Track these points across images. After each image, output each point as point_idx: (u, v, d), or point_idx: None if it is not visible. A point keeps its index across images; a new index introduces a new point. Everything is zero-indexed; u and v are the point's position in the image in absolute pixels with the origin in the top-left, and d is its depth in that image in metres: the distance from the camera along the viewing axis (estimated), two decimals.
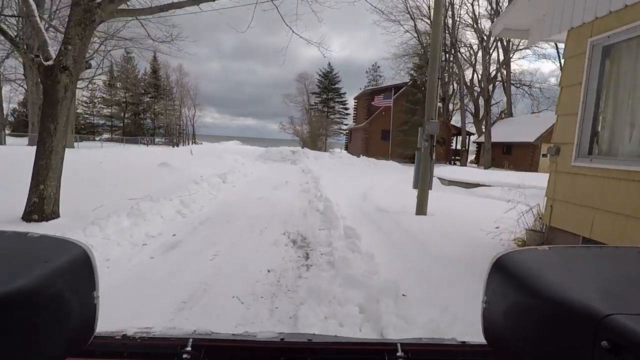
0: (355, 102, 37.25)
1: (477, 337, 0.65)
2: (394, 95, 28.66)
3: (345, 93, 44.43)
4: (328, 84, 42.80)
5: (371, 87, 31.37)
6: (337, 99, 43.16)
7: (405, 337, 1.02)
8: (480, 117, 32.68)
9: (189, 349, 0.79)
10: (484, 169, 26.45)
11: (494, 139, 30.80)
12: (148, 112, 47.61)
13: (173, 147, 42.41)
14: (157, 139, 47.50)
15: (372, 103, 28.52)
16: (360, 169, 19.76)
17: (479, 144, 32.71)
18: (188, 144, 49.54)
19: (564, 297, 0.45)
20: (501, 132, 29.41)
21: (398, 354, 0.81)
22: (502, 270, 0.55)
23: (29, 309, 0.43)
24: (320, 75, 43.54)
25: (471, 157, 34.54)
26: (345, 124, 40.25)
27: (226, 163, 16.30)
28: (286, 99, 38.24)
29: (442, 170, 16.13)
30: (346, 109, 43.96)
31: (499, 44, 28.63)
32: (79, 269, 0.52)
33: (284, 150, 21.42)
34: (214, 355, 0.83)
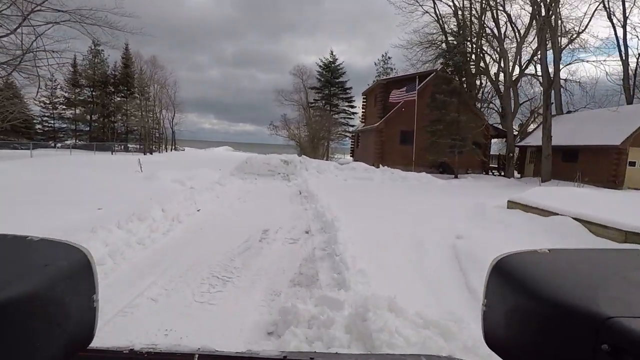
0: (364, 99, 30.88)
1: None
2: (419, 85, 22.28)
3: (351, 88, 37.91)
4: (330, 77, 35.70)
5: (387, 78, 25.01)
6: (341, 95, 36.21)
7: (404, 354, 1.00)
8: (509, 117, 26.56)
9: None
10: (542, 182, 19.95)
11: (540, 142, 24.41)
12: (119, 114, 41.04)
13: (145, 154, 35.89)
14: (130, 145, 40.95)
15: (391, 99, 22.06)
16: (395, 191, 13.20)
17: (520, 149, 26.27)
18: (167, 150, 42.97)
19: (565, 300, 0.45)
20: (559, 133, 23.07)
21: None
22: (502, 273, 0.55)
23: (29, 313, 0.44)
24: (321, 66, 37.10)
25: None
26: (352, 125, 33.80)
27: (175, 185, 9.77)
28: (280, 96, 31.89)
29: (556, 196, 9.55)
30: (352, 106, 37.57)
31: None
32: (79, 273, 0.52)
33: (273, 159, 14.92)
34: None
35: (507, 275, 0.54)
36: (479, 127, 21.25)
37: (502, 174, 26.05)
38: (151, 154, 37.11)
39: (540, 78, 23.51)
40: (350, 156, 35.45)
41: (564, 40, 22.70)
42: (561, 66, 22.74)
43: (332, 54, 35.71)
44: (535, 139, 24.84)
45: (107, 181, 9.88)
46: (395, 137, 24.49)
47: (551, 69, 21.22)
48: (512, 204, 8.75)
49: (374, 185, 14.67)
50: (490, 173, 26.10)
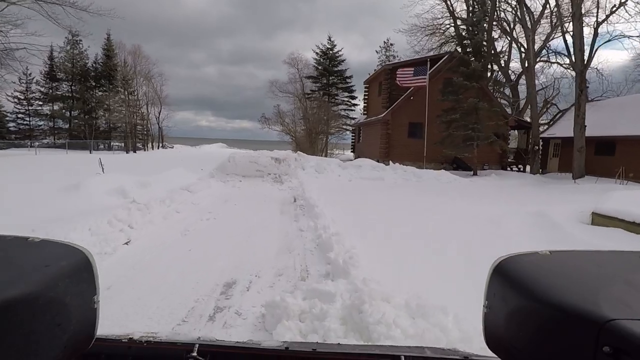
0: (365, 89, 28.07)
1: None
2: (431, 69, 19.51)
3: (351, 77, 34.20)
4: (328, 64, 32.37)
5: (394, 62, 22.21)
6: (340, 85, 32.79)
7: (409, 347, 1.02)
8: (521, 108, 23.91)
9: (194, 354, 0.80)
10: (574, 178, 17.34)
11: (566, 133, 21.78)
12: (101, 110, 38.07)
13: (127, 152, 33.05)
14: (115, 144, 38.07)
15: (398, 80, 19.23)
16: (414, 195, 10.50)
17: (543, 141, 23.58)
18: (154, 148, 40.09)
19: (566, 302, 0.45)
20: (588, 123, 20.41)
21: None
22: (503, 275, 0.55)
23: (29, 313, 0.44)
24: (318, 53, 33.42)
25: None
26: (352, 118, 30.88)
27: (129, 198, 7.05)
28: (274, 87, 28.86)
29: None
30: (353, 97, 34.32)
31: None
32: (79, 273, 0.52)
33: (262, 157, 12.15)
34: None
35: (508, 277, 0.54)
36: (501, 116, 18.53)
37: (522, 169, 23.40)
38: (134, 152, 34.25)
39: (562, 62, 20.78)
40: (352, 152, 32.67)
41: (600, 15, 19.89)
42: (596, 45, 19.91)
43: (330, 40, 32.33)
44: (560, 130, 22.15)
45: (14, 192, 7.15)
46: (402, 129, 21.76)
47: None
48: (601, 219, 6.05)
49: (386, 188, 11.96)
50: (508, 168, 23.42)
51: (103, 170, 13.28)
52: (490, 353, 0.57)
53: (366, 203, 9.03)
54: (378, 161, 23.80)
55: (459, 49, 20.12)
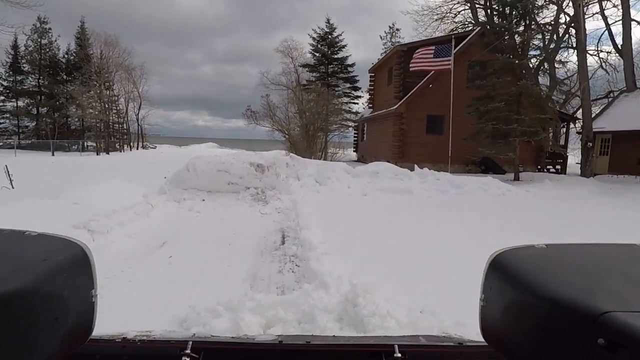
0: (371, 78, 24.17)
1: None
2: (456, 49, 15.64)
3: (354, 64, 29.33)
4: (327, 51, 27.87)
5: (409, 43, 18.24)
6: (341, 74, 28.39)
7: (403, 336, 1.02)
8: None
9: (188, 351, 0.79)
10: None
11: (618, 126, 18.09)
12: (73, 106, 33.98)
13: (98, 154, 29.08)
14: (90, 144, 34.04)
15: (414, 65, 15.30)
16: (465, 222, 6.70)
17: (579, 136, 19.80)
18: (132, 149, 36.07)
19: (561, 294, 0.45)
20: (636, 113, 16.77)
21: (396, 355, 0.81)
22: (499, 268, 0.55)
23: (26, 308, 0.44)
24: (315, 38, 28.53)
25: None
26: (355, 113, 26.79)
27: None
28: (265, 78, 24.68)
29: None
30: (356, 88, 29.29)
31: None
32: (77, 268, 0.53)
33: (237, 164, 8.14)
34: (214, 358, 0.83)
35: (504, 271, 0.54)
36: (549, 105, 14.68)
37: (559, 170, 19.64)
38: (107, 153, 30.25)
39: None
40: (354, 151, 28.83)
41: None
42: None
43: (328, 22, 28.11)
44: (611, 122, 18.40)
45: None
46: (419, 124, 17.93)
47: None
48: None
49: (420, 206, 8.17)
50: (545, 170, 19.65)
51: (12, 183, 9.40)
52: (481, 340, 0.58)
53: (398, 240, 5.21)
54: (388, 162, 20.05)
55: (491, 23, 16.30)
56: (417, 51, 16.17)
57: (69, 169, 15.17)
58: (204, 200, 7.80)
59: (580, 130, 19.32)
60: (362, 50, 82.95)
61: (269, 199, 7.92)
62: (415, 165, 11.43)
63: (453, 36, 15.90)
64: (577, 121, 20.16)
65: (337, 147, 19.56)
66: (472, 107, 14.61)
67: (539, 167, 19.31)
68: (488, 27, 15.85)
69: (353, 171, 10.43)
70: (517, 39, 14.03)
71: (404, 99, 17.65)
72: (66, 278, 0.50)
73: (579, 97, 20.30)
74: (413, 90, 17.52)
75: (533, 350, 0.48)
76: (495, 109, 13.15)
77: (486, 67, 15.20)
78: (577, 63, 16.03)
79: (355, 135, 28.23)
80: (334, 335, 1.20)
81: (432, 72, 16.18)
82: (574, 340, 0.42)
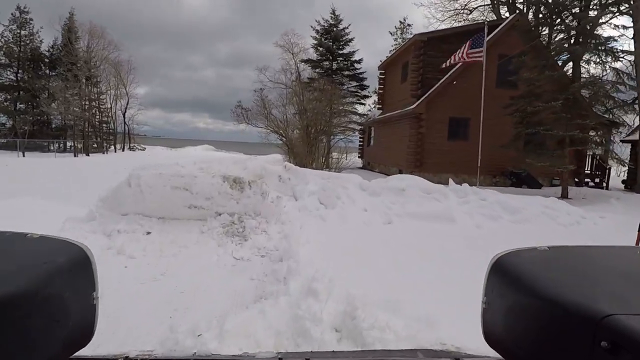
0: (381, 76, 21.52)
1: None
2: (489, 36, 13.02)
3: (361, 60, 26.08)
4: (332, 45, 24.72)
5: (429, 32, 15.52)
6: (347, 71, 25.35)
7: (401, 350, 0.98)
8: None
9: None
10: None
11: None
12: (55, 103, 31.31)
13: (76, 155, 26.41)
14: (71, 144, 31.34)
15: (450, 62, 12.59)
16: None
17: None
18: (116, 150, 33.39)
19: (563, 297, 0.45)
20: None
21: None
22: (501, 271, 0.55)
23: (27, 310, 0.44)
24: (318, 31, 25.18)
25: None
26: (361, 115, 24.01)
27: None
28: (262, 74, 21.90)
29: None
30: (363, 87, 26.22)
31: None
32: (78, 270, 0.52)
33: (203, 179, 5.42)
34: None
35: (506, 273, 0.54)
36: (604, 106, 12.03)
37: (601, 183, 16.94)
38: (87, 155, 27.55)
39: None
40: (359, 157, 26.15)
41: None
42: None
43: (333, 14, 25.21)
44: None
45: None
46: (441, 127, 15.27)
47: None
48: None
49: (471, 244, 5.49)
50: (583, 184, 16.95)
51: None
52: (482, 352, 0.56)
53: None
54: (401, 172, 17.36)
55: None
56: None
57: (16, 174, 12.48)
58: (149, 233, 5.09)
59: (628, 138, 16.70)
60: (366, 54, 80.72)
61: (250, 233, 5.21)
62: (451, 180, 8.74)
63: (486, 22, 13.25)
64: (620, 127, 17.52)
65: (343, 152, 16.84)
66: (511, 107, 11.95)
67: (576, 180, 16.62)
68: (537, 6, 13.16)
69: (370, 187, 7.74)
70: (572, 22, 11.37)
71: (423, 97, 15.00)
72: (67, 280, 0.50)
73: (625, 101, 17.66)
74: (434, 87, 14.88)
75: (535, 353, 0.47)
76: (547, 108, 10.44)
77: (520, 62, 12.59)
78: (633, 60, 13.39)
79: (361, 139, 25.56)
80: (333, 351, 1.21)
81: (460, 64, 13.53)
82: (576, 342, 0.42)
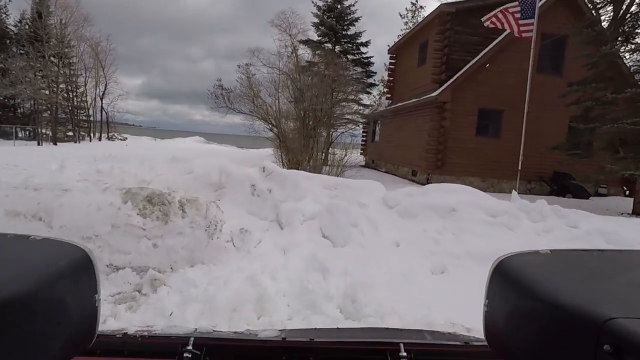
0: (391, 61, 18.63)
1: None
2: (541, 3, 10.21)
3: (369, 42, 22.35)
4: (335, 24, 21.18)
5: (456, 2, 12.61)
6: (351, 55, 22.00)
7: (408, 330, 1.01)
8: None
9: (190, 347, 0.78)
10: None
11: None
12: (22, 85, 28.06)
13: (40, 144, 23.33)
14: (45, 131, 28.15)
15: (487, 20, 9.73)
16: None
17: None
18: (92, 139, 30.27)
19: (566, 300, 0.45)
20: None
21: (401, 353, 0.80)
22: (503, 274, 0.55)
23: (29, 313, 0.44)
24: (319, 7, 21.66)
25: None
26: (365, 105, 21.08)
27: None
28: (254, 57, 18.75)
29: None
30: (370, 73, 22.74)
31: None
32: (80, 272, 0.52)
33: (78, 196, 2.70)
34: (216, 354, 0.82)
35: (508, 276, 0.54)
36: None
37: None
38: (55, 144, 24.44)
39: None
40: (361, 153, 23.29)
41: None
42: None
43: None
44: None
45: None
46: (468, 121, 12.45)
47: None
48: None
49: None
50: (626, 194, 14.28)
51: None
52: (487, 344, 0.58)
53: None
54: (414, 173, 14.55)
55: None
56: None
57: None
58: None
59: None
60: (372, 38, 77.39)
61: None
62: (514, 192, 5.93)
63: None
64: None
65: (346, 148, 14.02)
66: (568, 96, 9.17)
67: (626, 190, 13.91)
68: None
69: (400, 203, 4.91)
70: None
71: (448, 82, 12.17)
72: (69, 282, 0.49)
73: None
74: (463, 71, 12.04)
75: (537, 356, 0.47)
76: (631, 97, 7.65)
77: (564, 42, 9.85)
78: None
79: (364, 135, 22.69)
80: (337, 328, 1.23)
81: (506, 35, 10.67)
82: (579, 346, 0.42)
